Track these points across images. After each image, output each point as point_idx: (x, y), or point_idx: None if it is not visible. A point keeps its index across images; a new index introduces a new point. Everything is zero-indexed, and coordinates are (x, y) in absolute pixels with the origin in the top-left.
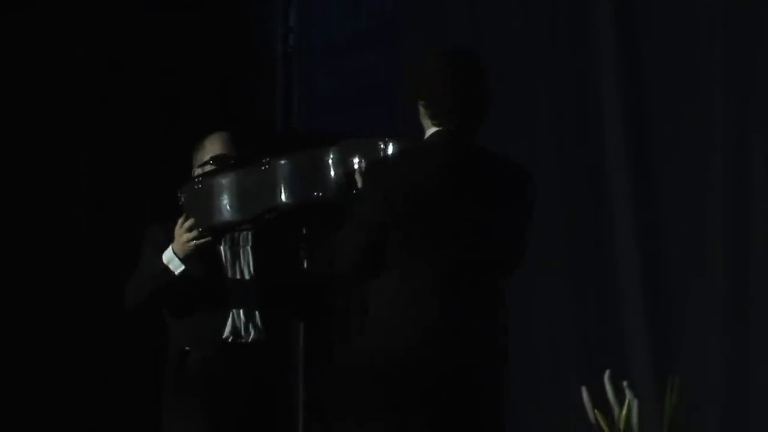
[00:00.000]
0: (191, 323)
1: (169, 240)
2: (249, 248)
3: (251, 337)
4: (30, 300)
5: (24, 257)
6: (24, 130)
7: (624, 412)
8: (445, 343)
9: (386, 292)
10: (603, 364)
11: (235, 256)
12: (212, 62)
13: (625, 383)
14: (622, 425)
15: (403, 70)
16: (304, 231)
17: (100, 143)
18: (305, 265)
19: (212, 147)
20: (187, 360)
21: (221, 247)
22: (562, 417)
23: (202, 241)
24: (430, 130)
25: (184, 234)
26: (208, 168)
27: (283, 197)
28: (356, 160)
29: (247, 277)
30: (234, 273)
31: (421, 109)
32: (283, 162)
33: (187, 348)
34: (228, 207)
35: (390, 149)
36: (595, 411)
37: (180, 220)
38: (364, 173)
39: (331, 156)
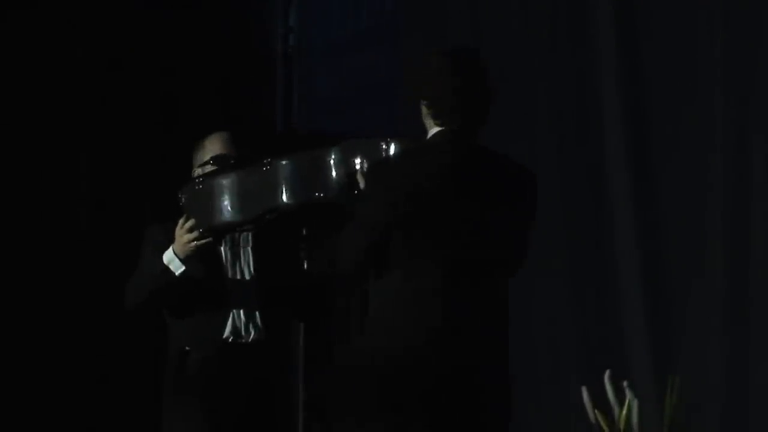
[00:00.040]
0: (191, 323)
1: (169, 240)
2: (249, 248)
3: (251, 337)
4: (30, 300)
5: (24, 257)
6: (24, 130)
7: (624, 412)
8: (447, 343)
9: (388, 292)
10: (603, 364)
11: (235, 256)
12: (212, 62)
13: (625, 383)
14: (622, 425)
15: (406, 69)
16: (304, 231)
17: (100, 143)
18: (305, 266)
19: (212, 147)
20: (187, 360)
21: (221, 248)
22: (562, 417)
23: (203, 241)
24: (433, 130)
25: (184, 235)
26: (208, 168)
27: (284, 198)
28: (358, 161)
29: (247, 277)
30: (234, 273)
31: (424, 109)
32: (284, 162)
33: (187, 348)
34: (229, 207)
35: (392, 149)
36: (595, 411)
37: (180, 221)
38: (366, 173)
39: (333, 156)
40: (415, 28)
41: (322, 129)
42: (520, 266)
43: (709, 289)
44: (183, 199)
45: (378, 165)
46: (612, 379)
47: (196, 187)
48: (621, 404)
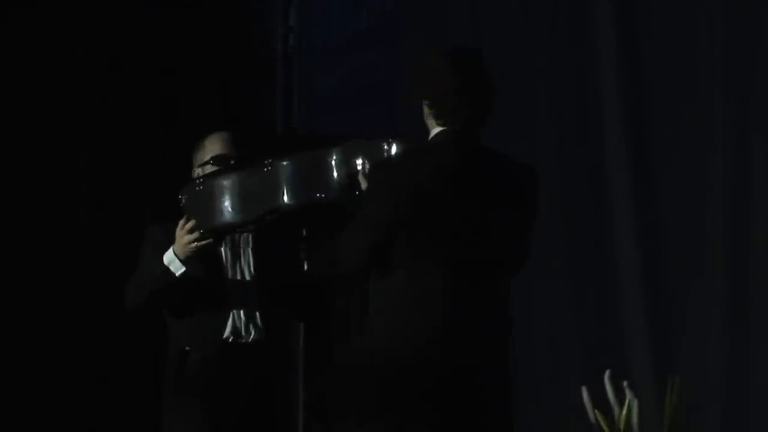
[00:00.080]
0: (191, 323)
1: (169, 240)
2: (249, 249)
3: (251, 337)
4: (30, 300)
5: (24, 257)
6: (24, 130)
7: (624, 412)
8: (448, 343)
9: (390, 292)
10: (603, 364)
11: (235, 256)
12: (212, 62)
13: (625, 383)
14: (622, 425)
15: (408, 69)
16: (304, 232)
17: (100, 143)
18: (305, 267)
19: (212, 147)
20: (187, 360)
21: (222, 248)
22: (562, 417)
23: (204, 242)
24: (435, 130)
25: (185, 235)
26: (208, 168)
27: (285, 198)
28: (359, 161)
29: (247, 277)
30: (234, 273)
31: (425, 109)
32: (285, 163)
33: (187, 348)
34: (229, 208)
35: (394, 150)
36: (595, 411)
37: (181, 222)
38: (368, 173)
39: (334, 157)
40: (415, 28)
41: (322, 129)
42: (522, 266)
43: (709, 289)
44: (183, 200)
45: (380, 165)
46: (612, 379)
47: (197, 188)
48: (621, 404)
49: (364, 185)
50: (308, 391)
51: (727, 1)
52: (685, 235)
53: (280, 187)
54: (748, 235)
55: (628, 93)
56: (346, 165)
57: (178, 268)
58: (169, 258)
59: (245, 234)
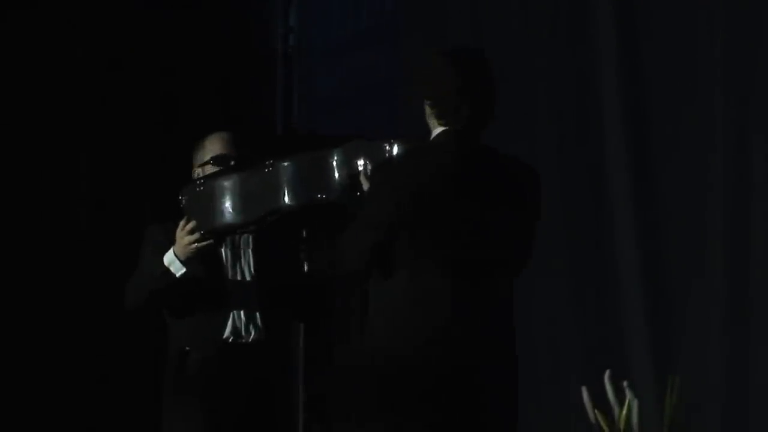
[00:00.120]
0: (192, 323)
1: (169, 240)
2: (250, 250)
3: (251, 337)
4: (30, 300)
5: (24, 257)
6: (24, 130)
7: (624, 412)
8: (450, 343)
9: (392, 292)
10: (603, 364)
11: (235, 256)
12: (212, 62)
13: (625, 383)
14: (622, 425)
15: (410, 69)
16: (304, 233)
17: (100, 143)
18: (306, 267)
19: (212, 147)
20: (187, 360)
21: (222, 248)
22: (562, 417)
23: (204, 243)
24: (437, 130)
25: (185, 236)
26: (208, 168)
27: (286, 199)
28: (361, 162)
29: (247, 277)
30: (235, 274)
31: (427, 109)
32: (286, 164)
33: (187, 348)
34: (230, 209)
35: (395, 150)
36: (595, 411)
37: (181, 223)
38: (371, 173)
39: (335, 158)
40: (415, 28)
41: (322, 129)
42: (524, 266)
43: (709, 289)
44: (184, 200)
45: (382, 165)
46: (612, 379)
47: (197, 189)
48: (621, 404)
49: (365, 186)
50: (308, 391)
51: (727, 1)
52: (685, 235)
53: (280, 187)
54: (748, 235)
55: (628, 93)
56: (347, 166)
57: (178, 269)
58: (170, 259)
59: (246, 235)
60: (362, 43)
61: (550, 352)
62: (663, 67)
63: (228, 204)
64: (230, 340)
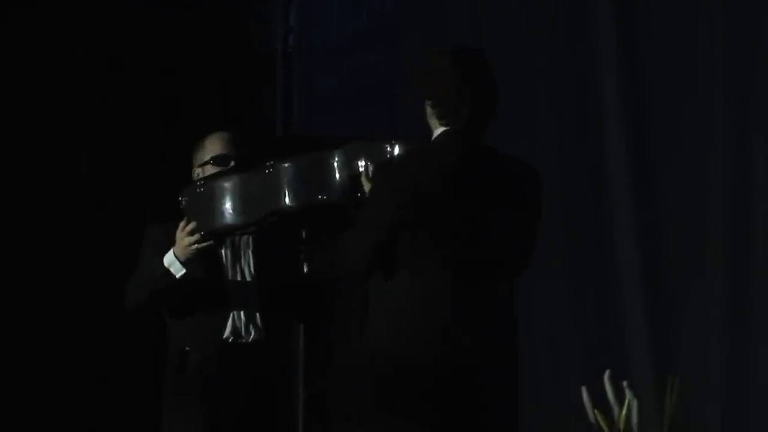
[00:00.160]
0: (191, 323)
1: (168, 240)
2: (250, 250)
3: (251, 337)
4: (30, 300)
5: (24, 257)
6: (24, 130)
7: (624, 412)
8: (452, 343)
9: (395, 292)
10: (603, 364)
11: (236, 257)
12: (212, 62)
13: (625, 383)
14: (622, 425)
15: (410, 69)
16: (304, 234)
17: (100, 143)
18: (305, 268)
19: (212, 147)
20: (187, 360)
21: (222, 249)
22: (562, 417)
23: (204, 244)
24: (438, 130)
25: (185, 238)
26: (208, 168)
27: (286, 200)
28: (361, 163)
29: (247, 278)
30: (235, 274)
31: (429, 109)
32: (286, 165)
33: (187, 348)
34: (230, 210)
35: (396, 151)
36: (595, 411)
37: (182, 224)
38: (372, 173)
39: (336, 159)
40: (415, 28)
41: (322, 129)
42: (526, 266)
43: (709, 289)
44: (184, 201)
45: (384, 165)
46: (612, 379)
47: (198, 190)
48: (621, 404)
49: (366, 187)
50: (308, 391)
51: (727, 1)
52: (685, 235)
53: (281, 188)
54: (748, 235)
55: (628, 93)
56: (348, 167)
57: (178, 270)
58: (170, 260)
59: (246, 235)
60: (362, 43)
61: (550, 352)
62: (663, 67)
63: (228, 205)
64: (230, 340)
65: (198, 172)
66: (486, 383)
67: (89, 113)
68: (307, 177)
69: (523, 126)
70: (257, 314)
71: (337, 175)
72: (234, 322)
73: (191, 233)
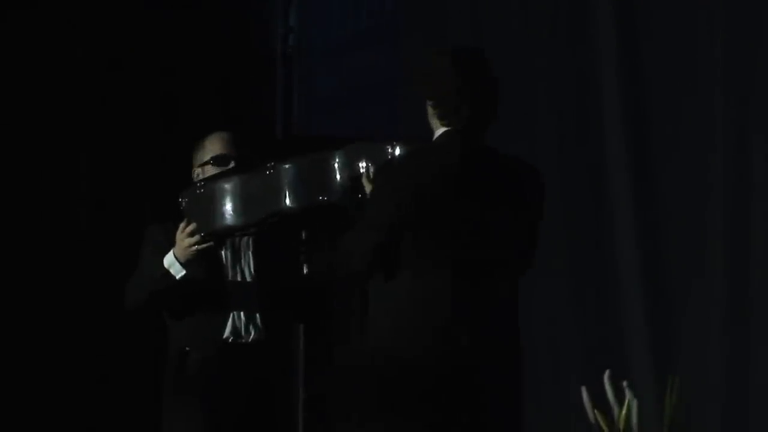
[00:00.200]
0: (191, 323)
1: (168, 240)
2: (250, 251)
3: (251, 337)
4: (30, 300)
5: (24, 257)
6: (24, 130)
7: (624, 412)
8: (454, 343)
9: (397, 292)
10: (603, 364)
11: (236, 257)
12: (212, 62)
13: (625, 383)
14: (622, 425)
15: (411, 69)
16: (304, 235)
17: (100, 143)
18: (306, 269)
19: (212, 147)
20: (187, 360)
21: (222, 250)
22: (562, 417)
23: (204, 246)
24: (439, 131)
25: (185, 239)
26: (208, 168)
27: (287, 201)
28: (363, 164)
29: (248, 278)
30: (235, 274)
31: (429, 110)
32: (287, 166)
33: (187, 348)
34: (231, 211)
35: (397, 152)
36: (595, 411)
37: (182, 225)
38: (374, 174)
39: (337, 160)
40: (415, 28)
41: (322, 129)
42: (528, 266)
43: (709, 289)
44: (184, 203)
45: (385, 166)
46: (612, 379)
47: (198, 191)
48: (621, 404)
49: (367, 188)
50: (308, 391)
51: (727, 1)
52: (685, 235)
53: (282, 190)
54: (748, 235)
55: (628, 93)
56: (349, 168)
57: (178, 271)
58: (170, 261)
59: (246, 237)
60: (362, 43)
61: (550, 352)
62: (663, 67)
63: (228, 206)
64: (230, 340)
65: (198, 172)
66: (486, 383)
67: (89, 113)
68: (308, 178)
69: (523, 126)
70: (257, 314)
71: (338, 176)
72: (234, 322)
73: (191, 234)
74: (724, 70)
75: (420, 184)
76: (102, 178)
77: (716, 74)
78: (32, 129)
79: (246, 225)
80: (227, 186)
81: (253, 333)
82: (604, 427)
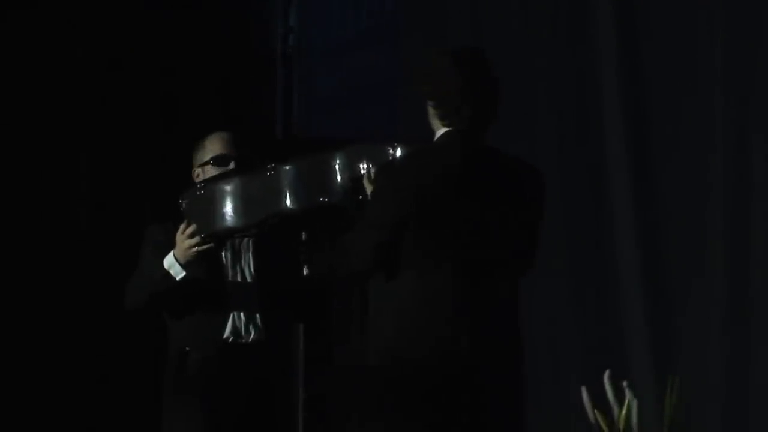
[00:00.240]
0: (192, 323)
1: (168, 240)
2: (250, 252)
3: (251, 337)
4: (30, 300)
5: (24, 257)
6: (24, 130)
7: (624, 412)
8: (453, 343)
9: (398, 292)
10: (603, 364)
11: (236, 257)
12: (212, 62)
13: (625, 383)
14: (622, 425)
15: (411, 69)
16: (304, 236)
17: (100, 143)
18: (305, 270)
19: (212, 147)
20: (187, 360)
21: (222, 251)
22: (562, 417)
23: (204, 247)
24: (440, 131)
25: (185, 240)
26: (208, 168)
27: (287, 202)
28: (363, 166)
29: (248, 278)
30: (235, 275)
31: (430, 110)
32: (287, 167)
33: (187, 348)
34: (231, 213)
35: (398, 153)
36: (595, 411)
37: (182, 226)
38: (375, 174)
39: (338, 161)
40: (415, 28)
41: (322, 129)
42: (530, 266)
43: (709, 289)
44: (184, 204)
45: (386, 166)
46: (612, 379)
47: (198, 193)
48: (621, 404)
49: (368, 189)
50: (308, 391)
51: (727, 1)
52: (685, 235)
53: (282, 191)
54: (748, 235)
55: (628, 93)
56: (350, 169)
57: (178, 273)
58: (170, 262)
59: (246, 238)
60: (362, 43)
61: (550, 352)
62: (663, 67)
63: (229, 207)
64: (230, 340)
65: (198, 172)
66: (486, 383)
67: (89, 113)
68: (308, 179)
69: (523, 126)
70: (257, 315)
71: (339, 177)
72: (234, 322)
73: (191, 236)
74: (724, 70)
75: (421, 185)
76: (102, 178)
77: (716, 74)
78: (32, 129)
79: (246, 226)
80: (227, 187)
81: (253, 333)
82: (604, 427)
